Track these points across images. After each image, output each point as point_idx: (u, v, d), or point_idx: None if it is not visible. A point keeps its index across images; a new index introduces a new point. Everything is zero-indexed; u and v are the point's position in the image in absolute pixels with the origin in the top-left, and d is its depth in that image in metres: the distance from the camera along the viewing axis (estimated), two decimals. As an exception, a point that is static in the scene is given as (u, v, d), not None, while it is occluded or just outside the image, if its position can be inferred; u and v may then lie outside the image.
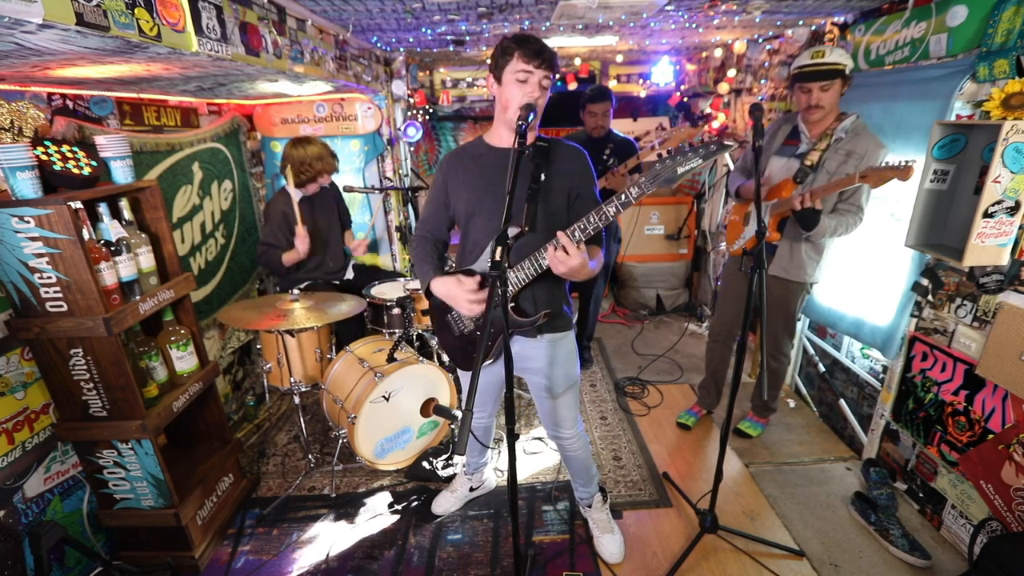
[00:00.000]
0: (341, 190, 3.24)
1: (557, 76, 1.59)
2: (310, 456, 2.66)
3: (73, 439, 1.91)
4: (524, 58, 1.51)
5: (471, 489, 2.39)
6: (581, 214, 1.68)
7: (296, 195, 2.88)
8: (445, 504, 2.33)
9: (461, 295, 1.62)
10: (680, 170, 1.36)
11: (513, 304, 1.69)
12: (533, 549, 2.14)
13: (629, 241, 4.52)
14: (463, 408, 1.15)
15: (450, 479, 2.49)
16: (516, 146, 1.38)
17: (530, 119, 1.46)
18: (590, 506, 2.17)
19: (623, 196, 1.42)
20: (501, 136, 1.69)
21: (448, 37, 2.97)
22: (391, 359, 2.49)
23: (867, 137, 2.18)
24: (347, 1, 2.07)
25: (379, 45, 3.19)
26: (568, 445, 2.00)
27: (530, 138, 1.66)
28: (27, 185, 1.58)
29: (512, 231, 1.58)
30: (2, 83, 1.74)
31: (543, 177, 1.58)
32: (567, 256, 1.46)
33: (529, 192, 1.52)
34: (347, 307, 2.43)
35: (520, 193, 1.57)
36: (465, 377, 2.03)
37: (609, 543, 2.10)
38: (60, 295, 1.68)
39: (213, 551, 2.17)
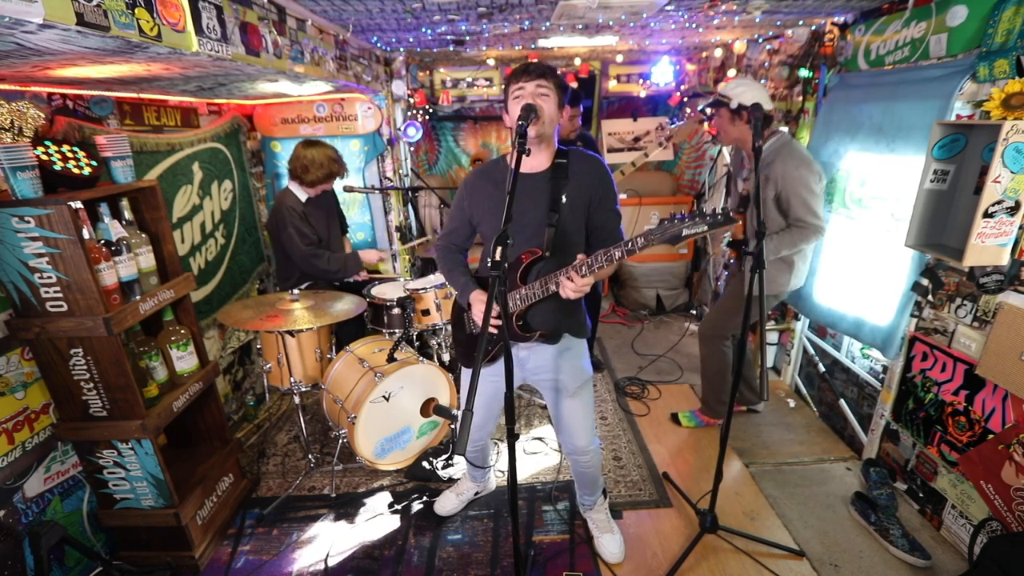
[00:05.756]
0: (340, 191, 3.24)
1: (556, 83, 1.60)
2: (310, 456, 2.65)
3: (73, 439, 1.91)
4: (514, 80, 1.60)
5: (476, 492, 2.40)
6: (598, 224, 1.74)
7: (303, 195, 2.88)
8: (449, 505, 2.33)
9: (481, 309, 1.72)
10: (686, 232, 1.41)
11: (521, 322, 1.74)
12: (533, 549, 2.14)
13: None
14: (463, 408, 1.15)
15: (451, 479, 2.50)
16: (516, 148, 1.38)
17: (530, 119, 1.46)
18: (591, 508, 2.18)
19: (629, 244, 1.47)
20: (522, 160, 1.70)
21: (448, 37, 2.97)
22: (391, 359, 2.49)
23: (783, 159, 2.29)
24: (347, 1, 2.07)
25: (379, 45, 3.19)
26: (584, 459, 1.97)
27: (546, 158, 1.69)
28: (27, 185, 1.58)
29: (532, 252, 1.66)
30: (2, 83, 1.74)
31: (564, 200, 1.65)
32: (578, 286, 1.53)
33: (550, 216, 1.62)
34: (347, 307, 2.43)
35: (539, 216, 1.64)
36: (466, 377, 2.03)
37: (609, 543, 2.10)
38: (60, 295, 1.68)
39: (213, 551, 2.17)
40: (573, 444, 1.94)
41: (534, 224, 1.65)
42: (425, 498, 2.43)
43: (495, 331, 1.68)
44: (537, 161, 1.68)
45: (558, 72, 1.61)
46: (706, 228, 1.38)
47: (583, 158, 1.73)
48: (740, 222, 2.50)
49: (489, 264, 1.29)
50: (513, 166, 1.36)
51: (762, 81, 3.46)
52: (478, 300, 1.74)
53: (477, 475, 2.36)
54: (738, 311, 2.55)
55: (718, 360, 2.71)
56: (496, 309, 1.62)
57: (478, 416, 2.02)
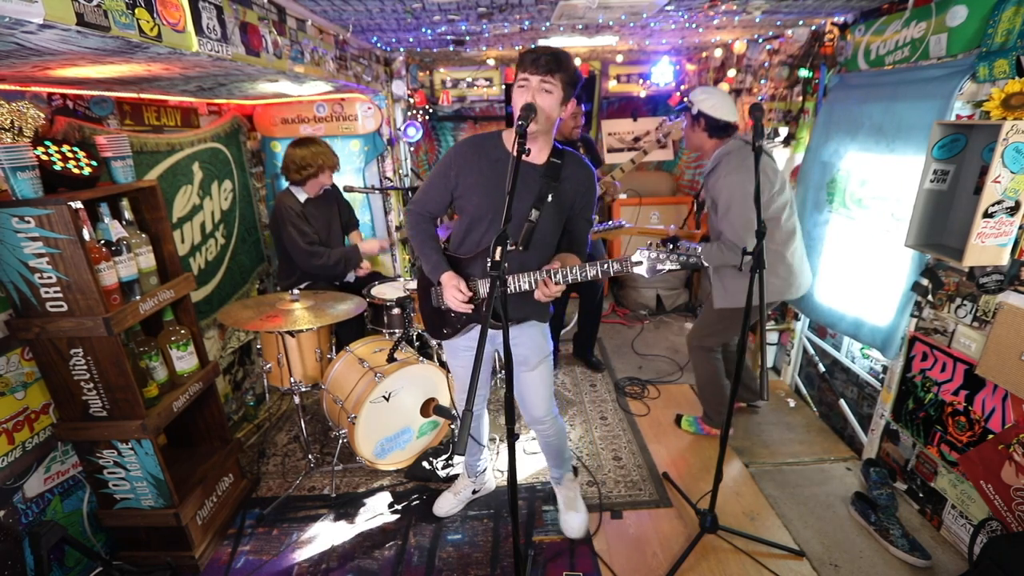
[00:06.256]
0: (341, 190, 3.24)
1: (564, 80, 1.59)
2: (310, 456, 2.65)
3: (73, 439, 1.91)
4: (522, 67, 1.59)
5: (474, 492, 2.39)
6: (570, 229, 1.82)
7: (302, 195, 2.89)
8: (447, 505, 2.33)
9: (455, 295, 1.73)
10: (658, 267, 1.55)
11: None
12: (533, 549, 2.14)
13: (629, 241, 4.52)
14: (463, 408, 1.16)
15: (450, 479, 2.50)
16: (516, 147, 1.38)
17: (530, 118, 1.46)
18: (560, 483, 2.25)
19: (605, 266, 1.59)
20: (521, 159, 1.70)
21: (448, 37, 2.97)
22: (391, 359, 2.49)
23: (720, 167, 2.28)
24: (347, 1, 2.07)
25: (379, 45, 3.19)
26: (545, 430, 2.08)
27: (542, 152, 1.70)
28: (27, 185, 1.58)
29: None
30: (2, 83, 1.74)
31: (550, 198, 1.67)
32: (551, 292, 1.64)
33: (531, 212, 1.63)
34: (347, 307, 2.43)
35: (523, 209, 1.65)
36: (457, 372, 2.08)
37: (572, 519, 2.18)
38: (60, 295, 1.68)
39: (213, 551, 2.17)
40: (533, 414, 2.05)
41: (518, 216, 1.66)
42: (425, 498, 2.42)
43: (467, 312, 1.78)
44: (533, 152, 1.68)
45: (570, 60, 1.58)
46: (678, 267, 1.54)
47: (578, 164, 1.75)
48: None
49: (489, 264, 1.31)
50: (512, 167, 1.36)
51: (762, 81, 3.47)
52: (451, 284, 1.73)
53: (473, 462, 2.35)
54: (715, 323, 2.56)
55: (705, 369, 2.67)
56: (473, 292, 1.73)
57: (463, 379, 2.09)
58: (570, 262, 1.67)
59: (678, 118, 4.09)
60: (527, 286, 1.67)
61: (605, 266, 1.58)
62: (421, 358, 2.57)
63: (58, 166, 1.68)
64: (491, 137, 1.76)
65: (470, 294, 1.74)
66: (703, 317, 2.67)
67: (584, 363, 3.65)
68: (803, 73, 2.98)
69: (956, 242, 1.92)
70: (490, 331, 1.86)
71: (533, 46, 1.62)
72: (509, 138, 1.74)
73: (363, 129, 3.60)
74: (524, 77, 1.58)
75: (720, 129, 2.34)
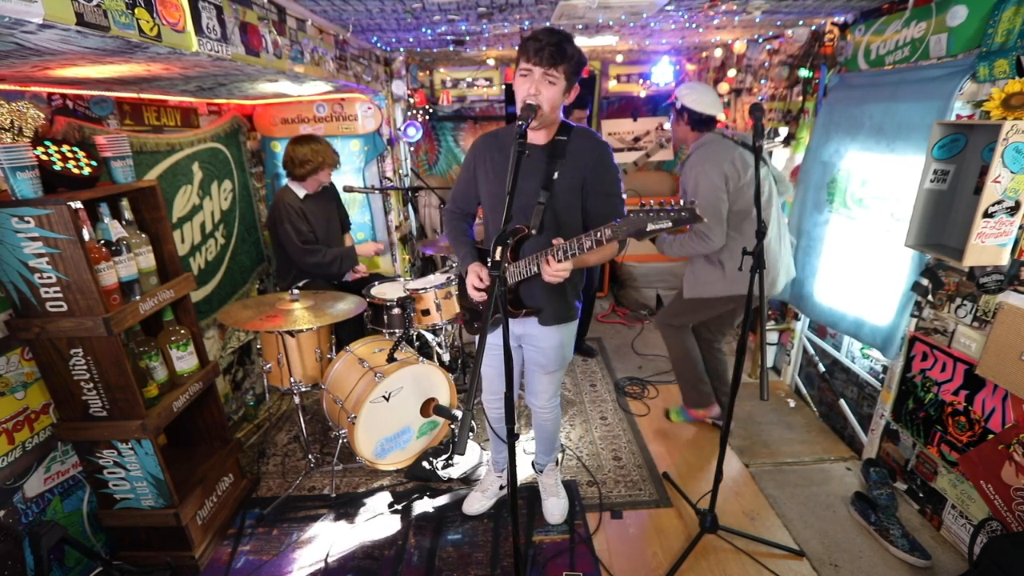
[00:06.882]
0: (341, 191, 3.24)
1: (567, 71, 1.55)
2: (310, 456, 2.66)
3: (73, 439, 1.91)
4: (524, 56, 1.55)
5: (501, 487, 2.38)
6: (590, 209, 1.74)
7: (301, 192, 2.89)
8: (477, 504, 2.32)
9: (474, 281, 1.75)
10: (651, 226, 1.41)
11: (512, 296, 1.78)
12: (533, 549, 2.14)
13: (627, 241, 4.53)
14: (463, 407, 1.15)
15: (450, 479, 2.49)
16: (516, 147, 1.37)
17: (530, 119, 1.46)
18: (542, 471, 2.29)
19: (598, 234, 1.47)
20: (531, 131, 1.68)
21: (448, 37, 2.97)
22: (391, 359, 2.49)
23: (690, 159, 2.34)
24: (347, 1, 2.07)
25: (379, 45, 3.19)
26: (543, 414, 2.14)
27: (544, 135, 1.69)
28: (27, 185, 1.58)
29: (519, 229, 1.66)
30: (2, 83, 1.74)
31: (556, 176, 1.64)
32: (555, 271, 1.53)
33: (540, 194, 1.61)
34: (347, 307, 2.43)
35: (532, 192, 1.63)
36: (485, 371, 2.11)
37: (553, 506, 2.25)
38: (60, 295, 1.68)
39: (213, 551, 2.17)
40: (535, 401, 2.13)
41: (526, 198, 1.64)
42: (425, 498, 2.43)
43: (481, 301, 1.78)
44: (539, 133, 1.68)
45: (574, 46, 1.54)
46: (670, 224, 1.38)
47: (584, 137, 1.70)
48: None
49: (489, 264, 1.30)
50: (512, 166, 1.35)
51: (762, 81, 3.47)
52: (472, 272, 1.76)
53: (500, 459, 2.35)
54: (681, 307, 2.62)
55: (673, 344, 2.75)
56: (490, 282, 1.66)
57: (493, 383, 2.12)
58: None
59: None
60: (535, 269, 1.62)
61: (598, 234, 1.48)
62: (421, 358, 2.57)
63: (58, 166, 1.68)
64: (506, 130, 1.80)
65: (487, 283, 1.73)
66: (672, 301, 2.72)
67: (576, 350, 3.70)
68: (803, 73, 2.98)
69: (956, 242, 1.92)
70: (517, 332, 1.91)
71: (534, 31, 1.57)
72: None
73: (363, 129, 3.61)
74: (527, 67, 1.54)
75: (702, 123, 2.38)
